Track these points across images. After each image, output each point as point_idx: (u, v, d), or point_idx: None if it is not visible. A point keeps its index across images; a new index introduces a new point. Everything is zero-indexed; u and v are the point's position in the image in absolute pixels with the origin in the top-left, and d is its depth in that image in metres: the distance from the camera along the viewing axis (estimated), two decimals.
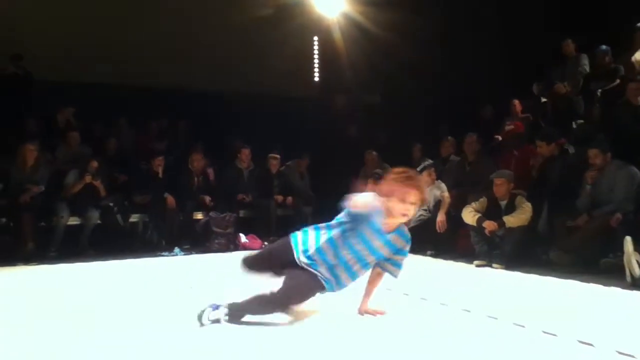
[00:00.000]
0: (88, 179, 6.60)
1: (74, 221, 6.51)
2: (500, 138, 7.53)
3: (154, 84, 9.15)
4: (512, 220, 5.28)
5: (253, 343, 2.75)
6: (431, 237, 6.15)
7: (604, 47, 7.47)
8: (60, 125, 8.04)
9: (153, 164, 7.23)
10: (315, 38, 11.04)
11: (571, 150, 6.22)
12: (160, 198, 6.92)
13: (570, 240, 5.15)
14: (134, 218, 6.99)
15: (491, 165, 6.38)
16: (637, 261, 4.07)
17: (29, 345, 2.80)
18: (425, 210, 6.39)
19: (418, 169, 6.60)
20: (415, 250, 6.08)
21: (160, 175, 7.21)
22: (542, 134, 6.21)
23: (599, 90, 7.26)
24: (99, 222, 6.56)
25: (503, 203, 5.48)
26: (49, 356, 2.65)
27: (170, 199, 6.94)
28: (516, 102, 7.93)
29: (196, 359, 2.58)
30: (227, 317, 2.96)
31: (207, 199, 7.15)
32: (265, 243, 7.07)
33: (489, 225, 5.33)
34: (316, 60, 11.15)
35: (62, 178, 6.74)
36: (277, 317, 3.02)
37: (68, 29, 8.86)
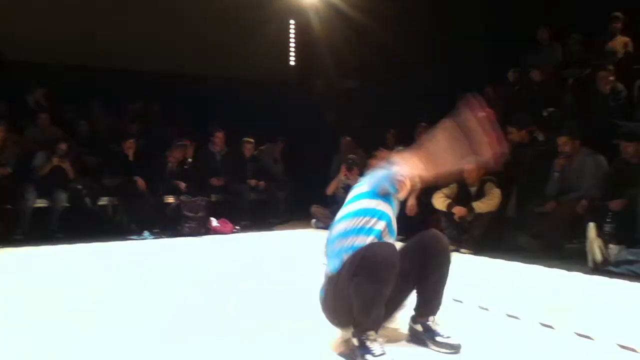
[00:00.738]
0: (56, 160, 6.47)
1: (41, 204, 6.39)
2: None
3: (129, 67, 8.97)
4: (481, 206, 5.33)
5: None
6: (401, 222, 6.18)
7: (575, 35, 7.55)
8: (31, 106, 7.86)
9: (124, 146, 7.11)
10: (292, 22, 10.93)
11: (540, 137, 6.28)
12: (130, 181, 6.82)
13: (538, 225, 5.23)
14: (103, 201, 6.88)
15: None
16: (599, 247, 4.16)
17: None
18: None
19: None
20: None
21: (131, 158, 7.10)
22: (513, 120, 6.26)
23: (570, 79, 7.33)
24: (67, 204, 6.44)
25: (473, 189, 5.52)
26: (15, 339, 2.62)
27: (140, 182, 6.84)
28: (489, 89, 7.97)
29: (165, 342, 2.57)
30: None
31: (182, 184, 7.06)
32: (237, 227, 7.04)
33: (459, 210, 5.38)
34: (292, 44, 11.05)
35: (31, 160, 6.59)
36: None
37: (40, 7, 8.62)
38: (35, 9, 8.57)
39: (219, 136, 7.84)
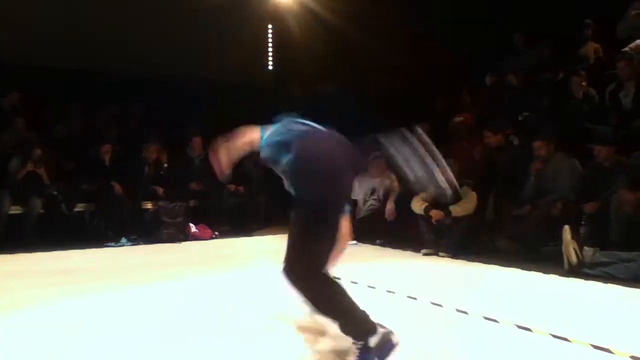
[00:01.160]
0: (31, 166, 6.37)
1: (16, 210, 6.28)
2: (448, 130, 7.66)
3: (105, 69, 8.86)
4: (457, 210, 5.38)
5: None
6: (381, 227, 6.23)
7: (547, 41, 7.70)
8: (5, 110, 7.71)
9: (100, 151, 7.03)
10: (270, 26, 10.93)
11: (515, 141, 6.38)
12: (107, 186, 6.74)
13: (514, 228, 5.30)
14: (79, 207, 6.78)
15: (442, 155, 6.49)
16: (574, 249, 4.23)
17: None
18: (375, 199, 6.47)
19: (370, 159, 6.66)
20: (364, 239, 6.21)
21: (107, 162, 7.02)
22: (490, 125, 6.35)
23: (545, 84, 7.46)
24: (42, 211, 6.34)
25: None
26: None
27: (117, 187, 6.77)
28: (465, 93, 8.08)
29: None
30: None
31: (160, 190, 7.00)
32: (216, 233, 7.00)
33: (436, 214, 5.43)
34: (270, 49, 11.04)
35: (5, 164, 6.48)
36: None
37: (14, 9, 8.46)
38: (9, 11, 8.42)
39: (197, 141, 7.78)
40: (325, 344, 2.57)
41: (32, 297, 3.62)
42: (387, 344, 2.28)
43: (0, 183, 6.31)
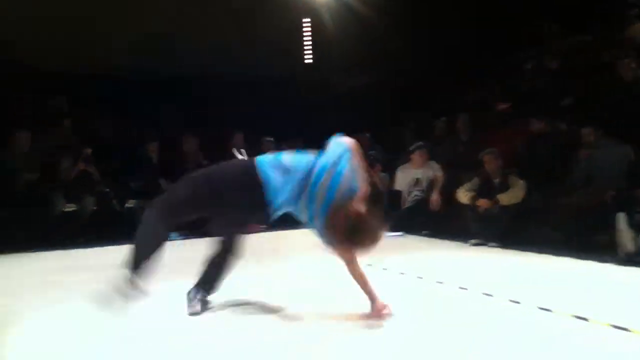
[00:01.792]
0: (82, 165, 6.58)
1: (70, 208, 6.50)
2: (490, 118, 7.56)
3: (145, 71, 9.06)
4: (505, 198, 5.32)
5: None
6: (426, 217, 6.21)
7: (592, 21, 7.49)
8: (54, 113, 7.98)
9: (147, 149, 7.20)
10: (306, 20, 10.95)
11: (562, 127, 6.25)
12: (154, 183, 6.91)
13: (565, 217, 5.20)
14: (130, 203, 6.98)
15: (483, 145, 6.42)
16: (631, 237, 4.13)
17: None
18: (419, 190, 6.44)
19: (410, 149, 6.64)
20: (410, 230, 6.20)
21: (155, 160, 7.19)
22: (532, 111, 6.25)
23: (590, 67, 7.26)
24: (95, 208, 6.54)
25: (496, 181, 5.52)
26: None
27: (164, 184, 6.93)
28: (505, 81, 7.95)
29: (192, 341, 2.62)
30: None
31: None
32: (262, 226, 7.07)
33: (483, 203, 5.37)
34: (307, 42, 11.07)
35: (56, 165, 6.71)
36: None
37: (60, 16, 8.70)
38: (54, 17, 8.66)
39: (238, 137, 7.87)
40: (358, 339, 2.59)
41: (88, 291, 3.74)
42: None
43: (53, 183, 6.55)
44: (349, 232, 2.65)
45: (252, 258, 4.90)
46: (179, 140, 7.77)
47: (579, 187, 5.27)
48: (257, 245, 5.91)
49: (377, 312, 2.84)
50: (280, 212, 2.90)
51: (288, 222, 3.36)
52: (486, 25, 8.64)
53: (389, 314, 2.84)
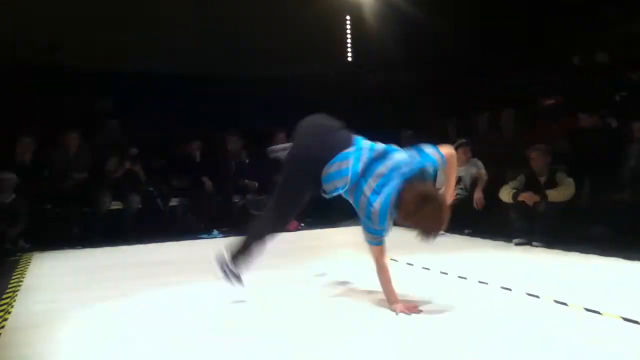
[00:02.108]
0: (128, 164, 6.75)
1: (116, 206, 6.68)
2: (538, 113, 7.36)
3: (189, 71, 9.20)
4: (554, 195, 5.14)
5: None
6: (468, 216, 6.08)
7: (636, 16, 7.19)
8: (101, 113, 8.21)
9: (190, 148, 7.33)
10: (348, 17, 10.92)
11: (613, 123, 6.02)
12: (197, 182, 7.03)
13: (613, 215, 5.02)
14: (173, 202, 7.12)
15: (530, 141, 6.25)
16: None
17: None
18: (462, 188, 6.32)
19: (453, 146, 6.52)
20: (452, 229, 6.08)
21: (198, 159, 7.31)
22: (583, 106, 6.05)
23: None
24: (140, 206, 6.70)
25: (542, 179, 5.36)
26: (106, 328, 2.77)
27: (207, 183, 7.05)
28: (553, 73, 7.72)
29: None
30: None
31: (248, 182, 7.20)
32: (302, 224, 7.12)
33: (528, 197, 5.21)
34: (349, 39, 11.04)
35: (103, 165, 6.91)
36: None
37: (107, 16, 8.93)
38: (102, 17, 8.88)
39: (281, 137, 7.88)
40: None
41: (135, 287, 3.84)
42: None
43: (100, 182, 6.74)
44: (417, 207, 2.71)
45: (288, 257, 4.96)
46: (222, 138, 7.86)
47: (628, 183, 5.07)
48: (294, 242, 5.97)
49: (402, 308, 2.87)
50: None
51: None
52: (532, 18, 8.42)
53: (414, 311, 2.86)
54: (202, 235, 6.54)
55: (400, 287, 3.05)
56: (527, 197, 5.23)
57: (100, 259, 5.37)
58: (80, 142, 6.89)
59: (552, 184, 5.26)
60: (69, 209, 6.40)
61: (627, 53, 7.25)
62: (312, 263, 4.69)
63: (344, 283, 3.78)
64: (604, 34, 7.71)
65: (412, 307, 2.90)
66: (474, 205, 6.07)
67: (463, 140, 6.53)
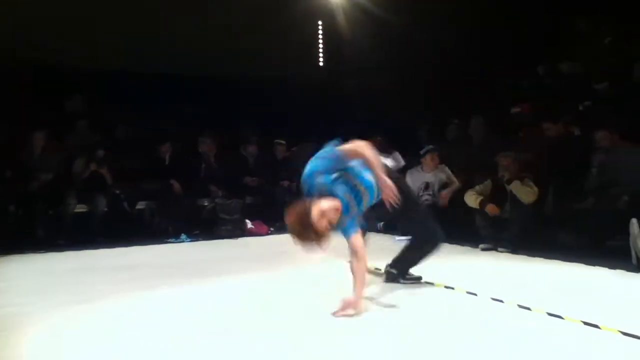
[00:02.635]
0: (93, 166, 6.64)
1: (82, 208, 6.55)
2: (507, 121, 7.49)
3: (162, 71, 9.12)
4: (518, 188, 5.21)
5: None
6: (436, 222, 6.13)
7: (603, 28, 7.40)
8: (70, 113, 8.05)
9: (160, 150, 7.24)
10: (320, 22, 10.96)
11: (577, 132, 6.16)
12: (166, 185, 6.94)
13: (577, 222, 5.13)
14: (141, 205, 7.02)
15: (498, 148, 6.34)
16: None
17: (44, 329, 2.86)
18: (430, 194, 6.38)
19: (421, 152, 6.59)
20: None
21: (167, 161, 7.22)
22: (548, 115, 6.18)
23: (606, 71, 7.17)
24: (106, 209, 6.58)
25: (511, 185, 5.43)
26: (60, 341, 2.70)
27: (176, 186, 6.96)
28: (524, 83, 7.87)
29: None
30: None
31: (218, 192, 7.13)
32: (272, 228, 7.10)
33: (491, 208, 5.30)
34: (321, 45, 11.07)
35: (71, 166, 6.77)
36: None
37: (78, 15, 8.77)
38: (72, 15, 8.73)
39: (253, 148, 7.89)
40: (370, 340, 2.57)
41: (98, 292, 3.77)
42: None
43: (66, 183, 6.60)
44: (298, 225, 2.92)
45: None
46: (193, 141, 7.80)
47: (592, 192, 5.19)
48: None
49: (347, 305, 2.98)
50: None
51: None
52: (502, 27, 8.56)
53: (353, 313, 2.95)
54: (170, 240, 6.44)
55: (370, 293, 3.07)
56: (490, 209, 5.30)
57: (66, 262, 5.25)
58: (46, 142, 6.74)
59: (520, 190, 5.34)
60: (34, 210, 6.25)
61: (593, 66, 7.45)
62: (286, 267, 4.69)
63: (320, 285, 3.78)
64: (572, 46, 7.90)
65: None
66: (440, 202, 6.16)
67: (431, 147, 6.60)
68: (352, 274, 3.09)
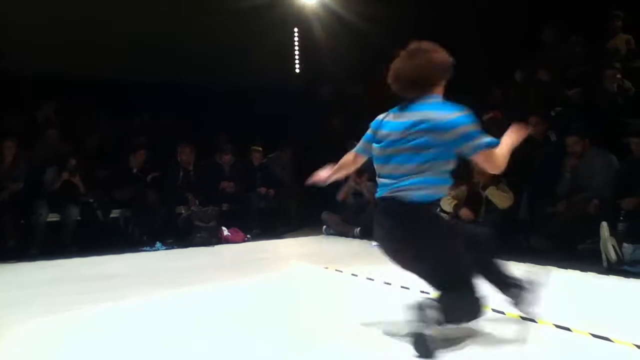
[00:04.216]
0: (65, 175, 6.54)
1: (53, 218, 6.44)
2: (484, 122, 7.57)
3: (133, 78, 9.04)
4: (495, 194, 5.27)
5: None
6: None
7: (574, 37, 7.56)
8: (40, 122, 7.93)
9: (133, 158, 7.16)
10: (295, 29, 10.98)
11: (553, 137, 6.27)
12: (141, 193, 6.87)
13: (549, 226, 5.21)
14: (114, 214, 6.92)
15: None
16: (613, 246, 4.14)
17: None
18: None
19: None
20: None
21: (140, 170, 7.15)
22: (527, 119, 6.26)
23: (576, 78, 7.32)
24: (78, 218, 6.48)
25: (485, 192, 5.50)
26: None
27: (150, 194, 6.89)
28: (495, 90, 7.98)
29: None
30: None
31: (194, 200, 7.06)
32: (248, 236, 7.06)
33: (465, 213, 5.35)
34: (297, 52, 11.09)
35: (41, 175, 6.66)
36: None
37: (45, 21, 8.68)
38: (42, 23, 8.63)
39: (227, 158, 7.85)
40: (349, 347, 2.56)
41: (70, 302, 3.70)
42: None
43: (38, 192, 6.48)
44: None
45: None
46: (167, 149, 7.73)
47: (564, 196, 5.27)
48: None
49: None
50: None
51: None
52: (476, 34, 8.68)
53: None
54: (145, 249, 6.37)
55: (343, 297, 3.07)
56: (464, 214, 5.35)
57: (38, 272, 5.15)
58: (16, 151, 6.62)
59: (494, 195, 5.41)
60: (4, 220, 6.12)
61: (565, 71, 7.59)
62: (262, 274, 4.66)
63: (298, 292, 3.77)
64: (545, 53, 8.05)
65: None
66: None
67: None
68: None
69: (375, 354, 2.49)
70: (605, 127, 5.69)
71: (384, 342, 2.64)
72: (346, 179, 7.32)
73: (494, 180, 5.44)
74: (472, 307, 2.55)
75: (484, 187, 5.41)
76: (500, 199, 5.26)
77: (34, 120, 7.96)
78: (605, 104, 6.19)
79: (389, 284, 3.97)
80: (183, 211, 7.05)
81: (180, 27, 9.34)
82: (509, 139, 2.75)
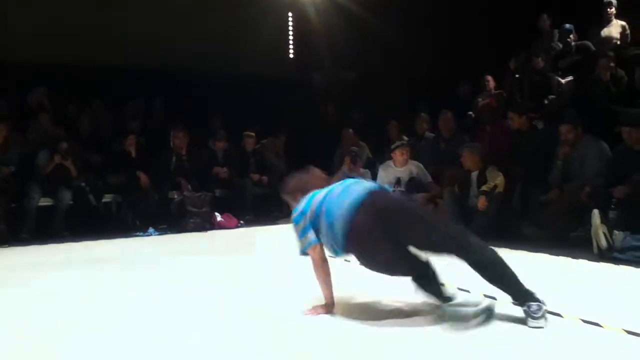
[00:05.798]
0: (57, 159, 6.51)
1: (46, 202, 6.41)
2: (473, 114, 7.58)
3: (128, 64, 8.98)
4: (492, 174, 5.32)
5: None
6: None
7: (567, 25, 7.55)
8: (32, 106, 7.87)
9: (125, 143, 7.13)
10: (290, 15, 10.90)
11: (540, 125, 6.28)
12: (133, 178, 6.84)
13: (542, 214, 5.23)
14: (107, 198, 6.91)
15: (466, 142, 6.42)
16: (604, 233, 4.17)
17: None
18: (402, 190, 6.40)
19: (392, 147, 6.62)
20: None
21: (133, 154, 7.11)
22: (514, 106, 6.28)
23: (570, 66, 7.33)
24: (71, 202, 6.46)
25: (474, 174, 5.53)
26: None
27: (143, 178, 6.87)
28: (489, 77, 7.97)
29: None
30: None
31: (187, 185, 7.03)
32: (241, 222, 7.06)
33: (481, 203, 5.32)
34: (291, 38, 11.02)
35: (34, 159, 6.63)
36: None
37: (39, 7, 8.59)
38: (34, 9, 8.54)
39: (220, 144, 7.83)
40: (344, 332, 2.58)
41: (63, 287, 3.70)
42: None
43: (30, 176, 6.46)
44: None
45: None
46: (160, 134, 7.69)
47: (556, 184, 5.29)
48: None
49: (318, 309, 2.89)
50: None
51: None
52: (475, 18, 8.66)
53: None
54: (138, 234, 6.35)
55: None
56: (481, 204, 5.34)
57: (30, 256, 5.14)
58: (7, 134, 6.57)
59: (483, 179, 5.44)
60: None
61: (559, 60, 7.60)
62: (255, 259, 4.66)
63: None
64: (540, 41, 8.05)
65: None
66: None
67: (400, 142, 6.62)
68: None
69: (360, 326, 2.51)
70: (598, 116, 5.71)
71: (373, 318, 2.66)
72: (340, 165, 7.33)
73: (484, 165, 5.49)
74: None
75: (472, 170, 5.47)
76: (497, 178, 5.31)
77: (26, 105, 7.90)
78: (598, 93, 6.20)
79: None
80: (176, 196, 7.03)
81: (173, 14, 9.27)
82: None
